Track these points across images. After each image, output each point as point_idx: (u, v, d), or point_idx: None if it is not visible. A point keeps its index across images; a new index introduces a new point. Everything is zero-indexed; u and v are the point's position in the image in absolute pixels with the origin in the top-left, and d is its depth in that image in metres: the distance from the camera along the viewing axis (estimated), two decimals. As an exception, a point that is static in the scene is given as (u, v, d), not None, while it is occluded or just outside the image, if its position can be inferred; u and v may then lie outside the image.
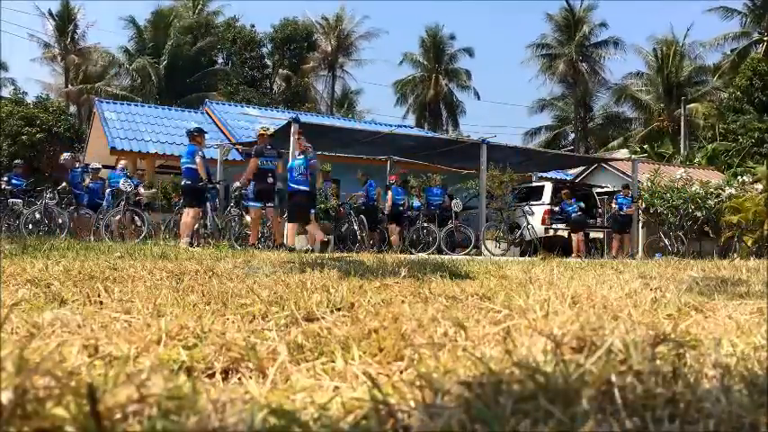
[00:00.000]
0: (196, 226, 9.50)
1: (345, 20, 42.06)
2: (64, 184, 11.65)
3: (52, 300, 1.97)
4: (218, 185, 11.51)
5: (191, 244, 8.57)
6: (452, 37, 42.88)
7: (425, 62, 42.65)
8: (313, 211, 9.77)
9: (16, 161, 13.65)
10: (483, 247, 12.08)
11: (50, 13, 36.37)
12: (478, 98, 43.48)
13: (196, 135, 9.54)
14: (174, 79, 33.26)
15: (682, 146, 29.57)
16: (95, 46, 36.84)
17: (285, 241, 9.30)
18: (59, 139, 21.14)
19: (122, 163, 12.37)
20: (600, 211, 15.72)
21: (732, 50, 31.79)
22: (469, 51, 42.85)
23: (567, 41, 38.50)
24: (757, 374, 1.00)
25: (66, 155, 13.16)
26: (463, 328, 1.33)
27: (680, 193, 15.08)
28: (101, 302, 1.94)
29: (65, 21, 36.33)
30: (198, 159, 9.25)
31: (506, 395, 0.82)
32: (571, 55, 38.17)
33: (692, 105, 32.85)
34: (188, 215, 9.18)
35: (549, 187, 14.45)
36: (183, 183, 9.46)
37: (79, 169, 12.30)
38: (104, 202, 11.26)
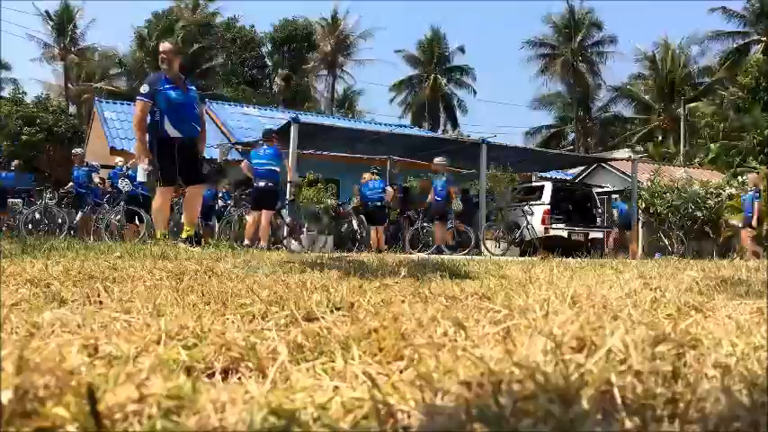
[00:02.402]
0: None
1: (343, 20, 42.11)
2: (69, 184, 11.63)
3: (52, 300, 1.97)
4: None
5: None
6: (447, 39, 43.04)
7: (423, 61, 42.69)
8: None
9: (15, 161, 13.65)
10: (483, 247, 12.08)
11: (47, 14, 36.38)
12: (475, 94, 43.53)
13: (274, 136, 9.29)
14: (174, 79, 33.19)
15: (681, 146, 29.60)
16: (95, 45, 36.88)
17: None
18: (59, 139, 21.15)
19: (119, 160, 12.24)
20: (600, 210, 15.74)
21: (731, 50, 31.82)
22: (461, 48, 42.99)
23: (567, 42, 38.53)
24: (757, 374, 1.01)
25: (78, 149, 13.17)
26: (463, 328, 1.33)
27: (680, 193, 15.10)
28: (100, 302, 1.94)
29: (64, 21, 36.33)
30: (288, 162, 9.10)
31: (506, 395, 0.82)
32: (570, 55, 38.19)
33: (692, 105, 32.89)
34: (267, 219, 8.91)
35: (548, 187, 14.46)
36: (257, 184, 8.98)
37: (85, 169, 12.25)
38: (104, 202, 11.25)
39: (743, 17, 31.35)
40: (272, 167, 8.92)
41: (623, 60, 78.24)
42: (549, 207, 14.01)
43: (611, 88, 38.59)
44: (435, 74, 42.11)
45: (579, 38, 38.10)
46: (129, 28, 35.94)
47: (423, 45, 42.64)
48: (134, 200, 10.53)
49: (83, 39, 37.33)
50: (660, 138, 33.62)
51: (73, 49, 36.59)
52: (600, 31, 38.81)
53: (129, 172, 10.97)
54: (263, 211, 8.92)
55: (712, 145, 26.36)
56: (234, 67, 40.01)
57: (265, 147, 9.14)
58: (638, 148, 30.72)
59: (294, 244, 10.29)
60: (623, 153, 28.08)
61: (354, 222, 11.62)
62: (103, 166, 13.75)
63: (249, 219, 9.12)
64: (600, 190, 16.56)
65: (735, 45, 31.39)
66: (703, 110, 31.65)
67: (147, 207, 10.70)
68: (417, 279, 2.73)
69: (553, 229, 13.97)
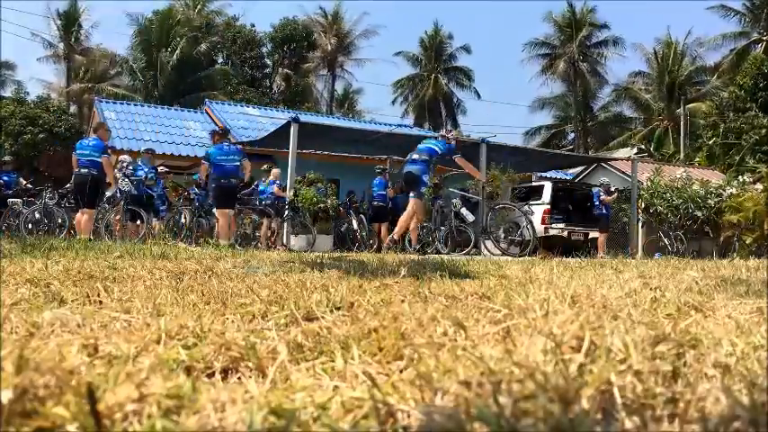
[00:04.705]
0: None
1: (344, 18, 42.08)
2: (67, 185, 11.55)
3: (52, 299, 1.97)
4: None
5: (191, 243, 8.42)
6: (451, 36, 43.01)
7: (425, 60, 42.66)
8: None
9: (6, 158, 13.60)
10: (483, 246, 12.07)
11: (57, 14, 36.45)
12: (479, 97, 43.55)
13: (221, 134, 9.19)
14: (175, 79, 33.23)
15: (681, 145, 29.58)
16: (97, 46, 36.91)
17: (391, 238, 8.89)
18: (60, 139, 21.18)
19: (123, 158, 11.82)
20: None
21: (731, 50, 31.79)
22: (467, 48, 42.96)
23: (568, 41, 38.49)
24: (757, 374, 1.01)
25: None
26: (463, 328, 1.33)
27: (680, 193, 15.07)
28: (100, 302, 1.94)
29: (69, 21, 36.38)
30: (246, 161, 8.94)
31: (506, 395, 0.82)
32: (572, 55, 38.15)
33: (693, 105, 32.87)
34: (226, 217, 8.75)
35: (548, 187, 14.45)
36: (226, 181, 8.85)
37: None
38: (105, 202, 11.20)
39: (743, 15, 31.31)
40: (237, 164, 8.82)
41: (625, 60, 78.33)
42: (548, 207, 14.01)
43: (611, 87, 38.64)
44: (437, 73, 42.12)
45: (581, 37, 38.07)
46: (130, 27, 35.55)
47: (424, 43, 42.62)
48: (135, 200, 10.50)
49: (86, 39, 37.46)
50: (660, 137, 33.61)
51: (76, 48, 36.61)
52: (599, 31, 38.85)
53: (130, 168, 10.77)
54: (226, 210, 8.83)
55: (708, 142, 26.38)
56: (234, 67, 39.99)
57: (226, 143, 9.01)
58: (640, 146, 30.61)
59: (293, 243, 10.26)
60: (624, 152, 28.05)
61: (354, 222, 11.61)
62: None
63: (221, 218, 8.93)
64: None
65: (737, 46, 31.36)
66: (704, 109, 31.65)
67: (148, 207, 10.68)
68: (417, 279, 2.73)
69: (553, 228, 13.97)
